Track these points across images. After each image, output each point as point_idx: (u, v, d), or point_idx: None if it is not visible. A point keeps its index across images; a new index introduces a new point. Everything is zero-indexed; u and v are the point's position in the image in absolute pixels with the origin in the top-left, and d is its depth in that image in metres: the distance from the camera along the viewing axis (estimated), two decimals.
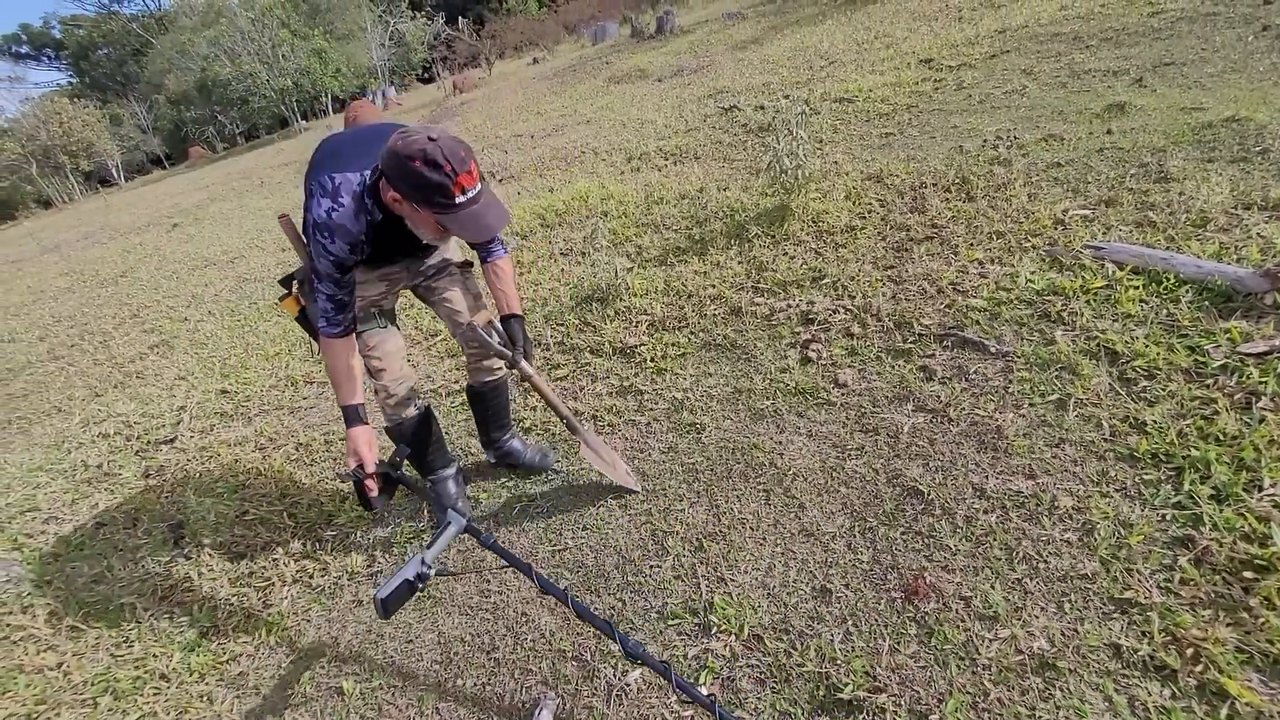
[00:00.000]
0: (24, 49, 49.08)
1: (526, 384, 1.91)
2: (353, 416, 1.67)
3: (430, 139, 1.35)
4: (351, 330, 1.67)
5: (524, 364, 1.80)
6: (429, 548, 1.49)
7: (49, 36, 47.29)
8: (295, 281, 1.85)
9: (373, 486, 1.67)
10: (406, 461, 1.92)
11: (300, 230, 1.72)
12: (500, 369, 2.09)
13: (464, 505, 2.07)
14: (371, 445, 1.67)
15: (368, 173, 1.51)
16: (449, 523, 1.53)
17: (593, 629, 1.59)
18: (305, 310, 1.82)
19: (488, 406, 2.12)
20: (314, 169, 1.57)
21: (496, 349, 1.79)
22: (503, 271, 1.86)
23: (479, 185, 1.42)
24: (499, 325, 1.83)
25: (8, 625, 2.07)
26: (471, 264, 2.02)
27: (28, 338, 5.62)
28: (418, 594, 1.49)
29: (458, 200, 1.38)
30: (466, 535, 1.61)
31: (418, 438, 2.00)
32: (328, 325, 1.62)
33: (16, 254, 11.80)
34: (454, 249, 1.99)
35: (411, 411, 1.94)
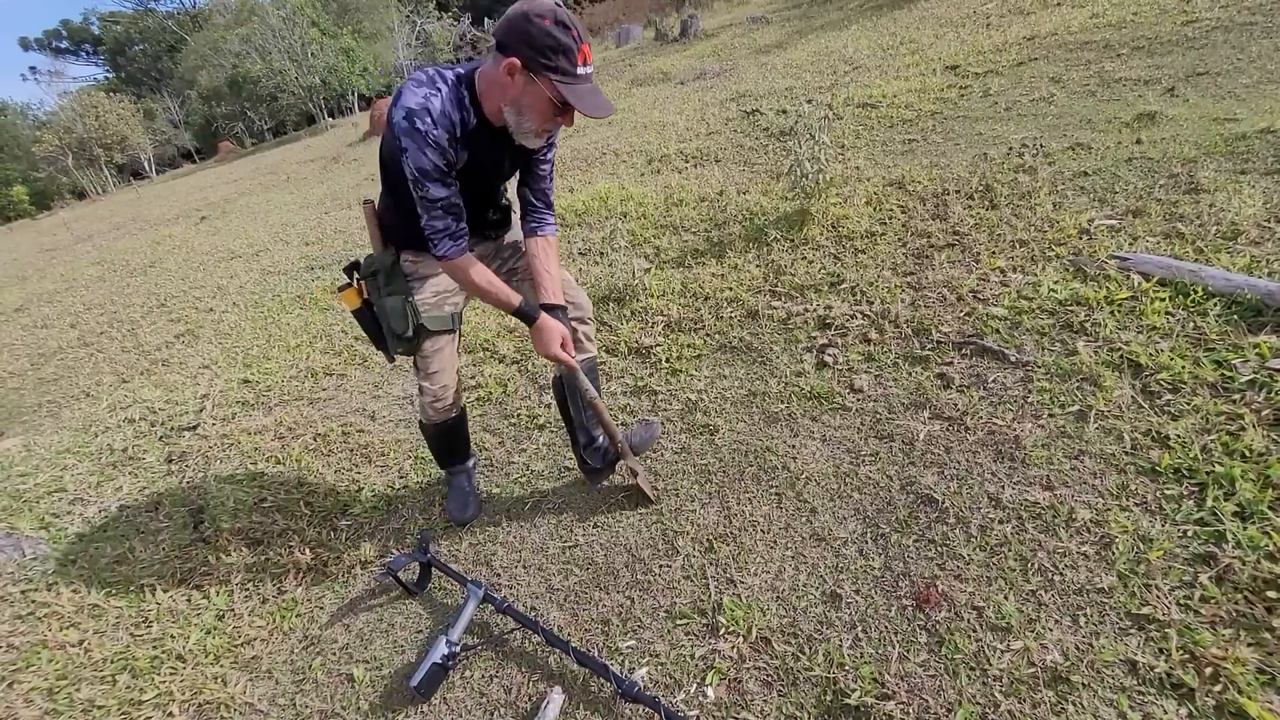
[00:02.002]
0: (64, 44, 50.48)
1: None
2: (531, 311, 1.54)
3: (558, 2, 1.25)
4: (468, 249, 1.50)
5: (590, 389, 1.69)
6: (451, 627, 1.57)
7: (88, 32, 48.63)
8: (360, 280, 1.73)
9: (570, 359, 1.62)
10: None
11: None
12: (591, 348, 1.91)
13: (475, 502, 2.09)
14: (568, 340, 1.58)
15: (462, 70, 1.37)
16: (468, 597, 1.63)
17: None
18: (369, 303, 1.70)
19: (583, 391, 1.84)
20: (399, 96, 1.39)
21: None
22: (551, 248, 1.67)
23: (592, 66, 1.31)
24: None
25: (33, 601, 2.13)
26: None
27: (59, 324, 5.77)
28: (449, 673, 1.56)
29: (579, 71, 1.27)
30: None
31: (450, 435, 2.02)
32: (451, 242, 1.44)
33: (52, 243, 12.13)
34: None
35: (453, 414, 1.94)
